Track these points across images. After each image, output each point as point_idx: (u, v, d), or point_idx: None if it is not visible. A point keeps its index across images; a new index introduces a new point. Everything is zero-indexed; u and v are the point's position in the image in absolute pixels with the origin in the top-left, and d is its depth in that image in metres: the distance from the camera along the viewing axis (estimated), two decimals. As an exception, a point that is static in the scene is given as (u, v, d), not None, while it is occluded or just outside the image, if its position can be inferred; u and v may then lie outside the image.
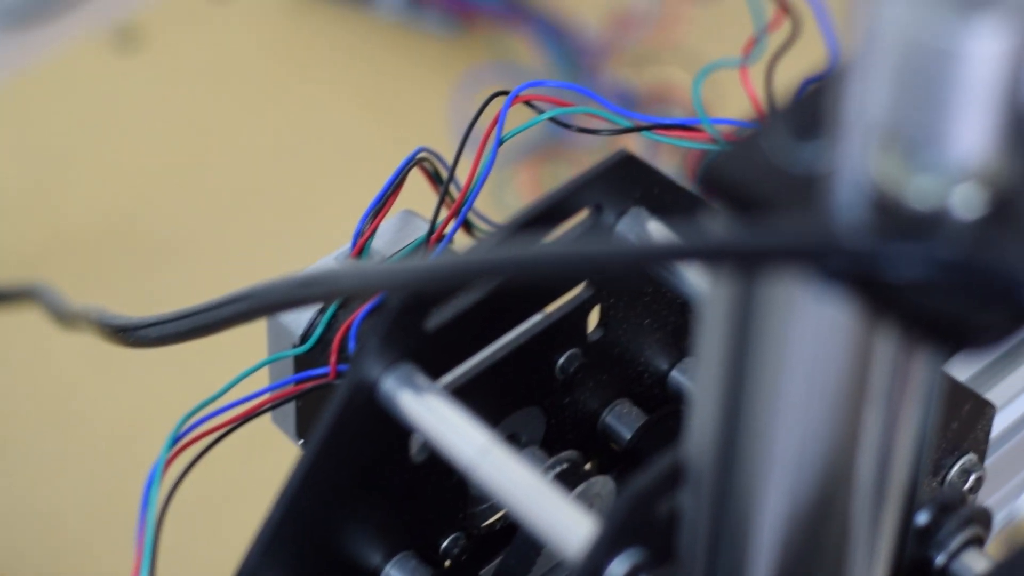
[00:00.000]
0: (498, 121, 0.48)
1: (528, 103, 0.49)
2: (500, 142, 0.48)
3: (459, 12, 0.94)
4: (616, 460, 0.53)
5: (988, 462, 0.53)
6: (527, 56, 0.94)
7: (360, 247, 0.50)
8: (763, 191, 0.34)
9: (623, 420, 0.52)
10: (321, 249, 0.87)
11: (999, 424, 0.54)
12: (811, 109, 0.34)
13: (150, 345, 0.53)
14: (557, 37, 0.91)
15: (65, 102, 0.94)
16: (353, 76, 0.95)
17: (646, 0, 0.95)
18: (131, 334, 0.53)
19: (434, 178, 0.51)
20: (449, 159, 0.48)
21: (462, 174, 0.49)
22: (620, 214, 0.48)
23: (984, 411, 0.52)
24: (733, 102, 0.83)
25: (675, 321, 0.52)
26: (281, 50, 0.96)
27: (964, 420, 0.51)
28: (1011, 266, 0.32)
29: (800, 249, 0.33)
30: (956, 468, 0.52)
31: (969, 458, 0.52)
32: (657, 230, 0.48)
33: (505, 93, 0.48)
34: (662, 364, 0.53)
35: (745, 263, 0.35)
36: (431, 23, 0.96)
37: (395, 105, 0.95)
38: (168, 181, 0.92)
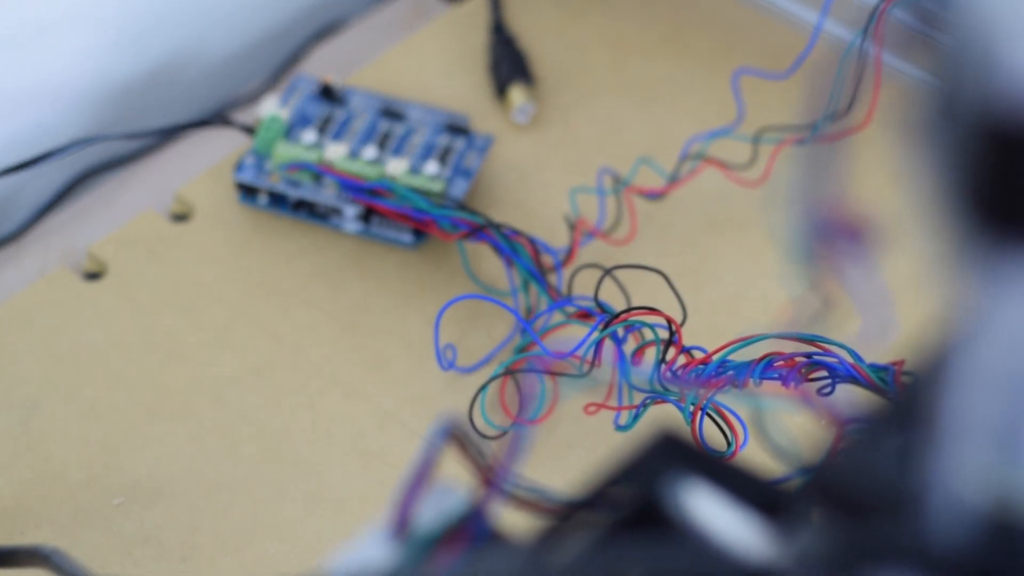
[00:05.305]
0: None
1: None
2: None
3: (417, 224, 0.96)
4: None
5: None
6: (488, 268, 0.96)
7: (403, 533, 0.50)
8: (874, 500, 0.31)
9: None
10: (323, 503, 0.86)
11: None
12: (912, 406, 0.32)
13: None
14: (515, 249, 0.93)
15: (33, 337, 0.94)
16: (319, 291, 0.96)
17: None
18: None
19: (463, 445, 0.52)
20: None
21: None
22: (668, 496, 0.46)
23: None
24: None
25: None
26: (244, 268, 0.97)
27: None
28: None
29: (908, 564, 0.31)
30: None
31: None
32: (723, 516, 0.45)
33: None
34: None
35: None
36: (390, 235, 0.97)
37: (367, 321, 0.96)
38: (148, 417, 0.91)
